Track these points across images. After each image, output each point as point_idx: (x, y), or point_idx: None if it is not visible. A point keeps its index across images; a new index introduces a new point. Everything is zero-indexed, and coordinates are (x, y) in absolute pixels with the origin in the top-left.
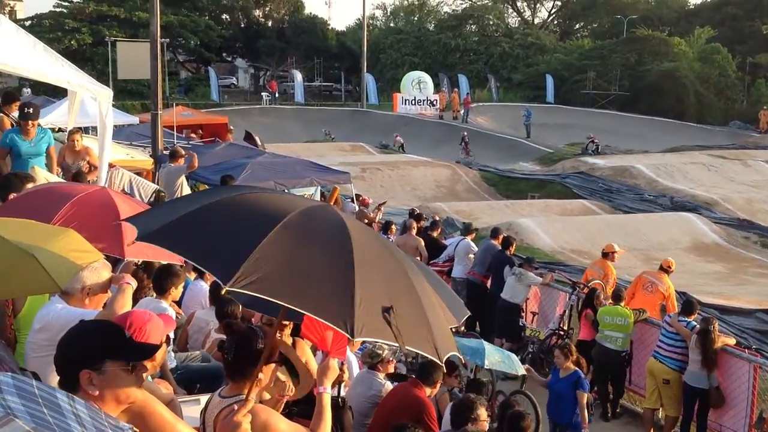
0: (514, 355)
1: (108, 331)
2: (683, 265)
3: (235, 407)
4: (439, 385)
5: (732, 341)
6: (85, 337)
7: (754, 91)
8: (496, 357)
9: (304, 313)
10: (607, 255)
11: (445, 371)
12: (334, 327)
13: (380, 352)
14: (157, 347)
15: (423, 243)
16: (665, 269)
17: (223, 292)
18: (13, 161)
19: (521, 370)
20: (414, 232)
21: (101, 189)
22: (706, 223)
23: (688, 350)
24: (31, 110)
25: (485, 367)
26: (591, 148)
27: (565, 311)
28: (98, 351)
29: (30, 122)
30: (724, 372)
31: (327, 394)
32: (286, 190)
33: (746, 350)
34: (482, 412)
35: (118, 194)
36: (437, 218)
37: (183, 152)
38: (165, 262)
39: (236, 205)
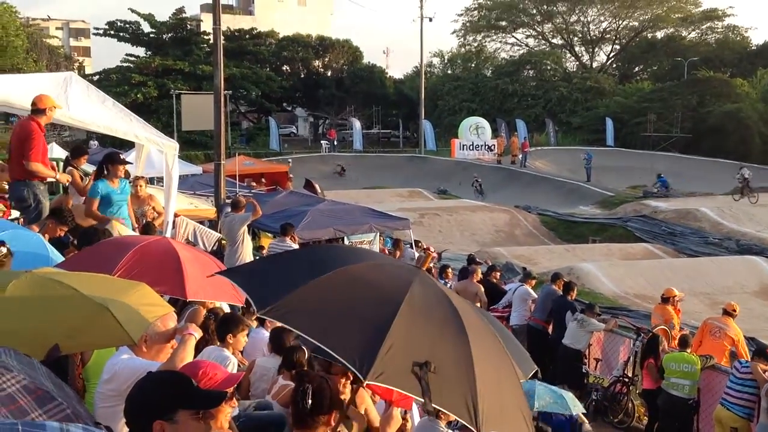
0: (569, 394)
1: (178, 380)
2: (750, 310)
3: None
4: None
5: None
6: (157, 388)
7: None
8: (547, 398)
9: (323, 347)
10: (667, 300)
11: None
12: (348, 366)
13: None
14: (225, 394)
15: (483, 289)
16: (729, 313)
17: (254, 317)
18: (103, 209)
19: (577, 408)
20: (476, 278)
21: (162, 238)
22: None
23: (759, 398)
24: (119, 157)
25: (534, 408)
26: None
27: (629, 358)
28: (170, 401)
29: (120, 167)
30: None
31: None
32: (345, 237)
33: None
34: None
35: (179, 242)
36: (489, 262)
37: (244, 201)
38: (228, 311)
39: (315, 254)
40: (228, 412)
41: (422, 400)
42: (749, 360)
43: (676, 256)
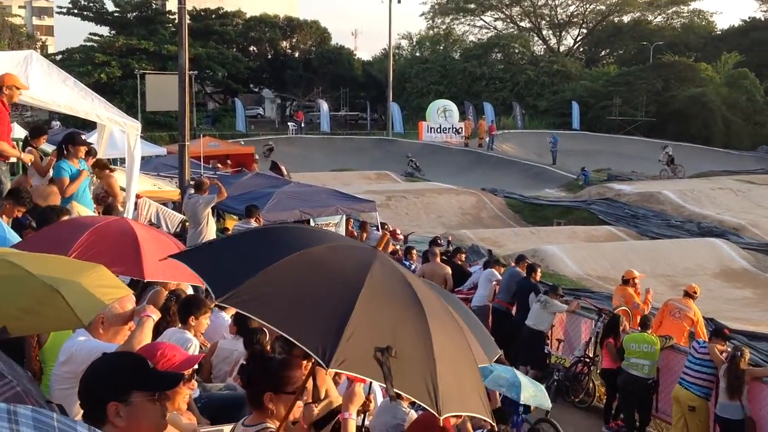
0: (544, 389)
1: (133, 361)
2: (710, 291)
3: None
4: (464, 415)
5: None
6: (111, 369)
7: None
8: (531, 391)
9: (285, 335)
10: (628, 281)
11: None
12: (312, 354)
13: None
14: (181, 376)
15: (450, 271)
16: (690, 295)
17: (213, 305)
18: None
19: (549, 403)
20: (438, 259)
21: (120, 218)
22: (733, 249)
23: (717, 378)
24: (80, 137)
25: (522, 401)
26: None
27: (591, 338)
28: (125, 382)
29: (81, 148)
30: (752, 398)
31: (352, 420)
32: (311, 219)
33: None
34: None
35: (137, 223)
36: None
37: (208, 183)
38: (191, 293)
39: (269, 235)
40: (186, 394)
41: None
42: (707, 341)
43: (639, 238)
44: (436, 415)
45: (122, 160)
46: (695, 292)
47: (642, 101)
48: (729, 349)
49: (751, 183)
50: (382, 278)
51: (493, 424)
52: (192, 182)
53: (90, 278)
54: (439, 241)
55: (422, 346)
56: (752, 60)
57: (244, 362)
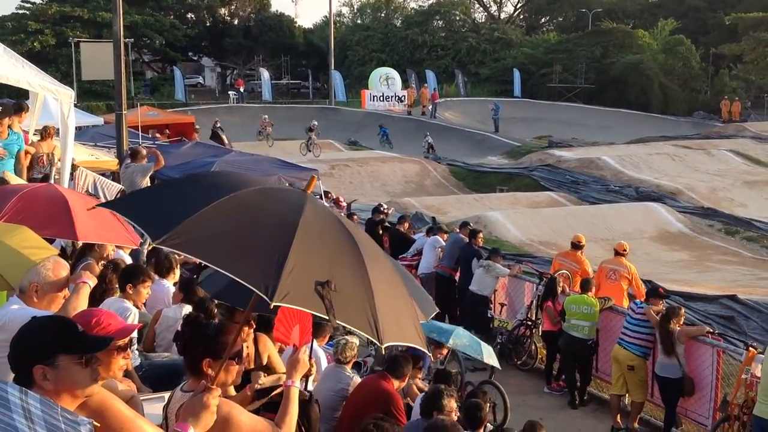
0: (487, 346)
1: (60, 325)
2: (648, 254)
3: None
4: (408, 379)
5: (705, 329)
6: (37, 333)
7: (717, 82)
8: (464, 340)
9: (227, 274)
10: (580, 247)
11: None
12: (254, 289)
13: (347, 345)
14: (107, 340)
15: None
16: (621, 253)
17: (148, 247)
18: None
19: (491, 360)
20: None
21: (48, 184)
22: (670, 213)
23: (655, 337)
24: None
25: (448, 344)
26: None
27: (532, 302)
28: (50, 345)
29: (5, 120)
30: (689, 357)
31: (295, 388)
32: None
33: (709, 335)
34: (450, 403)
35: (67, 189)
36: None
37: (145, 152)
38: (131, 263)
39: (200, 181)
40: (121, 361)
41: (327, 318)
42: (645, 299)
43: (579, 203)
44: (378, 343)
45: (59, 130)
46: (625, 250)
47: (581, 68)
48: (664, 309)
49: (687, 148)
50: (316, 217)
51: (427, 352)
52: (129, 151)
53: (15, 240)
54: (381, 208)
55: (360, 281)
56: (688, 26)
57: (179, 328)
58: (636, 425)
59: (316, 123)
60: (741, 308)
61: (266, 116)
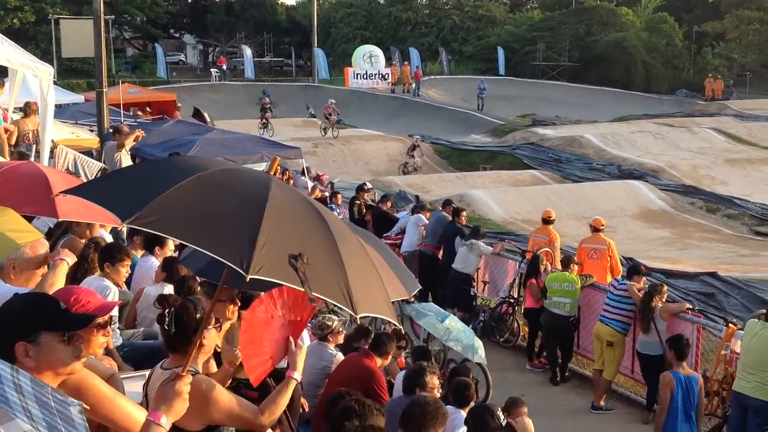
0: (480, 345)
1: (41, 301)
2: (630, 232)
3: (177, 372)
4: (390, 356)
5: (685, 306)
6: (19, 310)
7: (700, 60)
8: (481, 352)
9: (201, 250)
10: (551, 221)
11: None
12: (230, 264)
13: (330, 323)
14: (90, 317)
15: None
16: (598, 229)
17: (119, 228)
18: None
19: (478, 358)
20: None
21: (27, 162)
22: (652, 190)
23: (635, 314)
24: None
25: (476, 362)
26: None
27: (515, 279)
28: (32, 322)
29: None
30: (669, 333)
31: (295, 380)
32: None
33: (690, 312)
34: (433, 380)
35: (47, 167)
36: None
37: (127, 129)
38: (111, 242)
39: (167, 164)
40: (101, 340)
41: (302, 289)
42: (623, 275)
43: (562, 182)
44: (352, 314)
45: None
46: (602, 225)
47: (565, 46)
48: (646, 286)
49: (669, 126)
50: (283, 195)
51: (397, 325)
52: (111, 129)
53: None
54: (365, 186)
55: (331, 255)
56: (672, 4)
57: (158, 309)
58: (602, 403)
59: (333, 101)
60: (721, 285)
61: (333, 100)
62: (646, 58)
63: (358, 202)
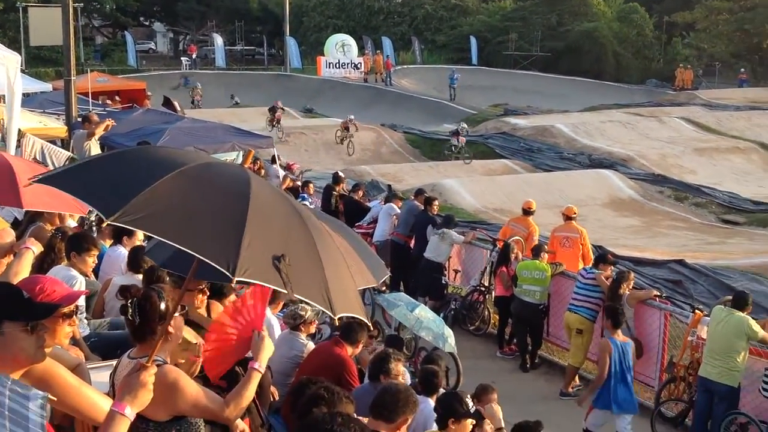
0: (450, 334)
1: (4, 291)
2: (600, 220)
3: (141, 362)
4: (361, 345)
5: (652, 293)
6: None
7: (670, 50)
8: (451, 341)
9: (186, 250)
10: (531, 212)
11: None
12: (217, 266)
13: (302, 313)
14: (53, 306)
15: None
16: (570, 217)
17: (104, 225)
18: None
19: (448, 347)
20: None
21: None
22: (622, 179)
23: (604, 301)
24: None
25: (447, 351)
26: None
27: (486, 268)
28: None
29: None
30: (637, 320)
31: (258, 372)
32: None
33: (657, 299)
34: (398, 367)
35: (13, 156)
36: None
37: (97, 118)
38: (77, 231)
39: (141, 155)
40: (66, 331)
41: (285, 291)
42: (594, 265)
43: (534, 171)
44: (331, 315)
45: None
46: (574, 213)
47: (537, 36)
48: (614, 274)
49: (639, 115)
50: (264, 193)
51: (370, 325)
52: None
53: None
54: (339, 175)
55: (310, 254)
56: None
57: (121, 299)
58: (570, 389)
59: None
60: (688, 272)
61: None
62: (617, 48)
63: (335, 193)
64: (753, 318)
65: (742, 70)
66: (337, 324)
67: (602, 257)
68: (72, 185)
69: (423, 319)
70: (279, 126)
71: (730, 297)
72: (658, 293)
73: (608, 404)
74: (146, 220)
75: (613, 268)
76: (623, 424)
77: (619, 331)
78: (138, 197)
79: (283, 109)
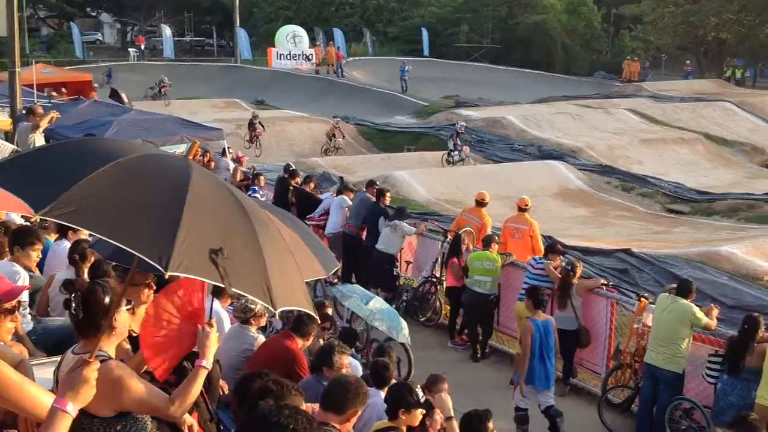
0: (405, 326)
1: None
2: (549, 211)
3: (84, 358)
4: (312, 337)
5: (600, 281)
6: None
7: (618, 42)
8: (405, 332)
9: (118, 244)
10: (484, 204)
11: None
12: (148, 260)
13: (253, 306)
14: None
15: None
16: (523, 208)
17: (32, 220)
18: None
19: (402, 338)
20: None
21: None
22: (571, 170)
23: (553, 291)
24: None
25: (399, 341)
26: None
27: (437, 259)
28: None
29: None
30: (585, 309)
31: (204, 369)
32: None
33: (604, 287)
34: (342, 359)
35: None
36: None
37: (41, 110)
38: (21, 223)
39: (79, 147)
40: (8, 327)
41: (222, 285)
42: (544, 255)
43: (485, 162)
44: (272, 309)
45: None
46: (527, 205)
47: (488, 28)
48: (563, 264)
49: (587, 107)
50: (204, 184)
51: (317, 317)
52: (24, 110)
53: None
54: (290, 167)
55: (251, 248)
56: None
57: (65, 292)
58: None
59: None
60: (635, 261)
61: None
62: (566, 41)
63: (291, 187)
64: (697, 305)
65: (688, 62)
66: (278, 317)
67: (551, 247)
68: (3, 178)
69: (377, 310)
70: (258, 142)
71: (675, 285)
72: (605, 282)
73: (531, 380)
74: (77, 214)
75: (562, 258)
76: (545, 398)
77: (540, 311)
78: (70, 190)
79: (263, 125)
